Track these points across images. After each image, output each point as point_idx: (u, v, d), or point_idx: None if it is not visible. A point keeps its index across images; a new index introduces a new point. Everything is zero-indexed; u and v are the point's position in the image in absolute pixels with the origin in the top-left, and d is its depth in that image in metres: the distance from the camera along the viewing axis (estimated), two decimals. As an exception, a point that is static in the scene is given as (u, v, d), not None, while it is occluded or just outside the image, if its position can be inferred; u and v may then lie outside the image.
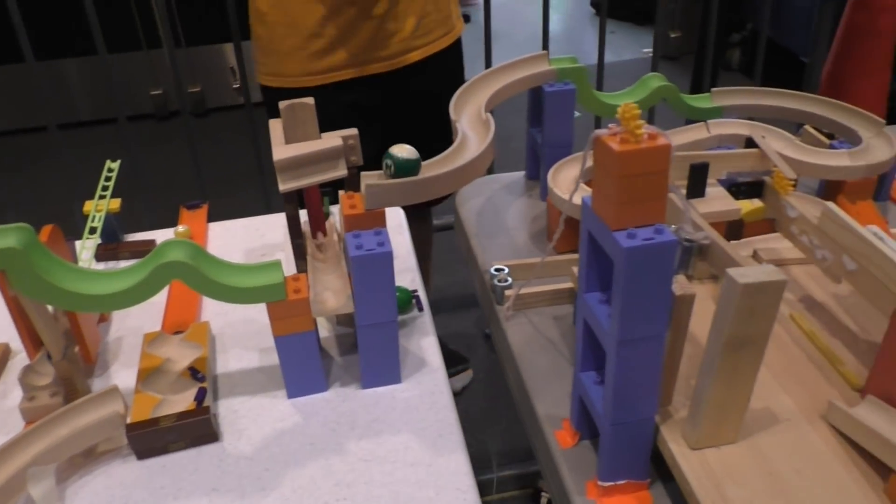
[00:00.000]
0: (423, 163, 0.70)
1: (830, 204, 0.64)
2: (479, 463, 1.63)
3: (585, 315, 0.57)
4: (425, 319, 0.82)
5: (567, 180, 0.87)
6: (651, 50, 3.85)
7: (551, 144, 0.94)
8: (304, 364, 0.70)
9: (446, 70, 1.41)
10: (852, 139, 0.92)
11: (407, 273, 0.89)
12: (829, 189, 0.88)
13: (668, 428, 0.58)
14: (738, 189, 0.73)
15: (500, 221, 0.96)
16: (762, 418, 0.59)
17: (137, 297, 0.63)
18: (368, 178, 0.68)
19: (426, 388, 0.73)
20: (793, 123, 1.00)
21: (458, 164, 0.71)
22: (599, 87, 2.11)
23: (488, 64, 2.14)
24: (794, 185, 0.71)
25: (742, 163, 0.72)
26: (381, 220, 0.69)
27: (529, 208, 0.98)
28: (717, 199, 0.71)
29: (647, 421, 0.56)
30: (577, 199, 0.83)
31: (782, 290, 0.50)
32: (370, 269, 0.66)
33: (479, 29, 2.13)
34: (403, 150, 0.67)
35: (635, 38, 4.03)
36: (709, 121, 0.94)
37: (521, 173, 1.05)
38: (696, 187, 0.70)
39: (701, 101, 0.99)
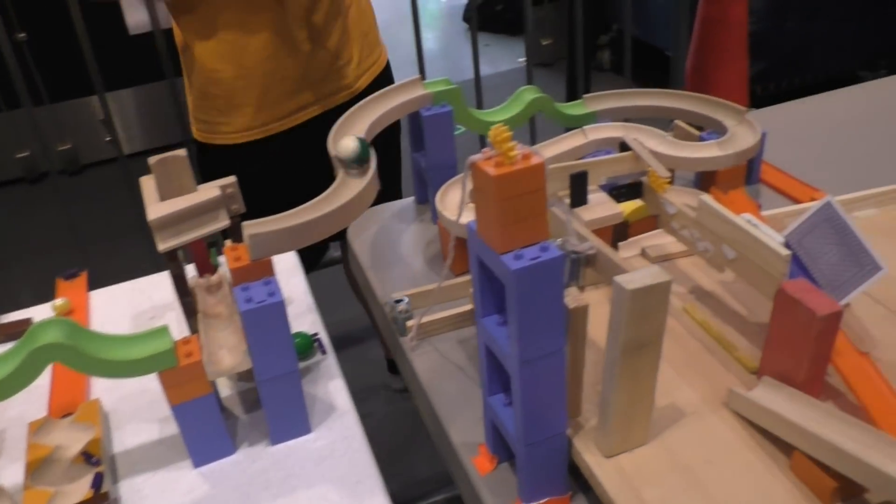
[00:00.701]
0: (303, 206, 0.68)
1: (705, 196, 0.66)
2: (409, 491, 1.61)
3: (485, 339, 0.57)
4: (329, 362, 0.80)
5: (455, 201, 0.88)
6: (525, 59, 3.95)
7: (436, 167, 0.94)
8: (207, 429, 0.67)
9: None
10: (719, 129, 0.96)
11: (306, 315, 0.87)
12: (705, 180, 0.92)
13: (581, 440, 0.58)
14: (619, 192, 0.74)
15: (395, 250, 0.95)
16: (669, 415, 0.60)
17: (14, 388, 0.58)
18: (250, 227, 0.66)
19: (338, 434, 0.71)
20: (666, 120, 1.04)
21: (341, 201, 0.69)
22: (479, 102, 2.14)
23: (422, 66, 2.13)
24: (671, 181, 0.74)
25: (619, 166, 0.74)
26: (268, 269, 0.67)
27: (422, 233, 0.98)
28: (600, 205, 0.72)
29: (559, 436, 0.56)
30: (465, 220, 0.83)
31: (669, 290, 0.51)
32: (263, 322, 0.63)
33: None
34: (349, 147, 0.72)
35: (510, 49, 4.12)
36: (585, 127, 0.97)
37: (411, 199, 1.05)
38: (579, 196, 0.71)
39: (575, 108, 1.02)
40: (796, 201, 0.94)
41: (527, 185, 0.48)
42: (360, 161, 0.74)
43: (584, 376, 0.58)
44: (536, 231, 0.50)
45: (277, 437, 0.70)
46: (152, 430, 0.73)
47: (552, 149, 0.93)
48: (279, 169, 1.28)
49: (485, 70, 4.08)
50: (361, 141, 0.74)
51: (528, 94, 0.98)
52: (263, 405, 0.68)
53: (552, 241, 0.56)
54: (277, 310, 0.63)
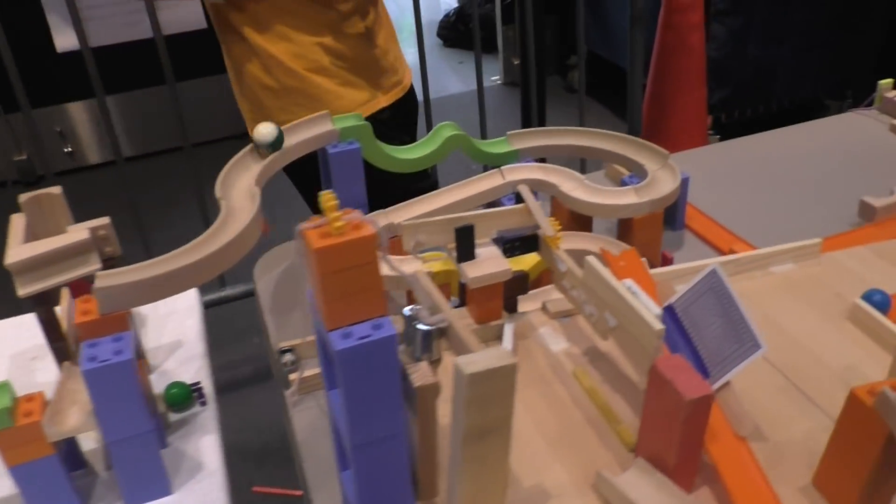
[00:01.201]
0: (168, 254, 0.64)
1: (591, 257, 0.62)
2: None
3: (331, 413, 0.52)
4: (208, 415, 0.75)
5: (357, 244, 0.83)
6: (499, 77, 3.92)
7: (344, 206, 0.90)
8: (50, 492, 0.63)
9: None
10: (641, 173, 0.92)
11: (193, 362, 0.82)
12: (622, 226, 0.88)
13: (432, 524, 0.54)
14: (514, 245, 0.70)
15: (299, 293, 0.90)
16: (531, 497, 0.56)
17: None
18: (102, 278, 0.61)
19: (198, 497, 0.66)
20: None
21: (209, 250, 0.65)
22: (428, 122, 2.10)
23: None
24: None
25: (509, 219, 0.70)
26: (121, 324, 0.62)
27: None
28: (488, 261, 0.68)
29: (405, 522, 0.52)
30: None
31: (514, 374, 0.47)
32: (107, 382, 0.59)
33: None
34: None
35: (483, 67, 4.09)
36: (503, 167, 0.93)
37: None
38: (465, 251, 0.67)
39: (496, 146, 0.98)
40: (718, 251, 0.91)
41: (354, 259, 0.44)
42: (274, 147, 0.81)
43: (438, 456, 0.53)
44: (369, 307, 0.46)
45: (131, 498, 0.65)
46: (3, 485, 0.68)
47: (465, 190, 0.89)
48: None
49: (458, 88, 4.05)
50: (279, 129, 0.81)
51: (446, 131, 0.94)
52: (114, 466, 0.63)
53: (411, 308, 0.52)
54: (123, 369, 0.59)
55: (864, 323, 0.73)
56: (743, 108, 2.55)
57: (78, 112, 2.93)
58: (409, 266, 0.75)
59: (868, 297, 0.74)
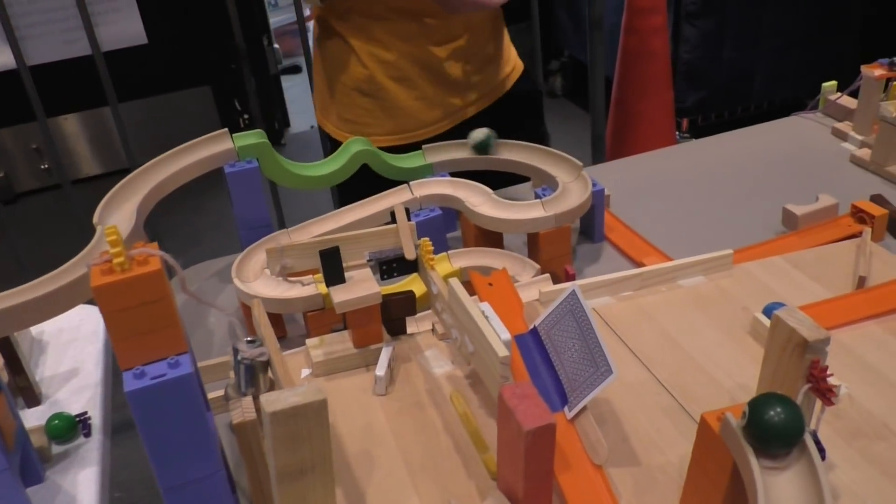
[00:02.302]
0: (20, 287, 0.62)
1: (453, 280, 0.60)
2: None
3: (158, 452, 0.50)
4: (91, 446, 0.73)
5: (256, 267, 0.81)
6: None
7: (245, 226, 0.88)
8: None
9: (524, 93, 1.30)
10: (553, 185, 0.90)
11: (86, 391, 0.80)
12: (531, 241, 0.86)
13: (270, 565, 0.52)
14: (391, 267, 0.68)
15: (205, 313, 0.88)
16: (380, 533, 0.54)
17: None
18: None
19: (68, 535, 0.64)
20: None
21: (63, 281, 0.63)
22: None
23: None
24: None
25: (382, 240, 0.68)
26: (-29, 358, 0.60)
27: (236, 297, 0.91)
28: (360, 284, 0.66)
29: (236, 564, 0.50)
30: (259, 288, 0.77)
31: (324, 411, 0.44)
32: (-50, 420, 0.57)
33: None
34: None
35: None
36: (412, 182, 0.91)
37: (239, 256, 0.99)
38: (333, 274, 0.65)
39: (410, 160, 0.96)
40: (635, 263, 0.88)
41: (140, 296, 0.42)
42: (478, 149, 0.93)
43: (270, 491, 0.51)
44: (165, 344, 0.44)
45: (-4, 538, 0.63)
46: None
47: (372, 206, 0.87)
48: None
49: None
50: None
51: (354, 146, 0.92)
52: (-29, 507, 0.61)
53: (244, 340, 0.50)
54: (-34, 406, 0.57)
55: (763, 338, 0.70)
56: (720, 111, 2.51)
57: (56, 127, 2.93)
58: (295, 291, 0.73)
59: (768, 310, 0.71)
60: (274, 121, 3.36)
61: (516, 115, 1.28)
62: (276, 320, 0.81)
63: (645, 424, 0.62)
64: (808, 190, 0.96)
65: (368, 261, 0.67)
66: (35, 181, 2.89)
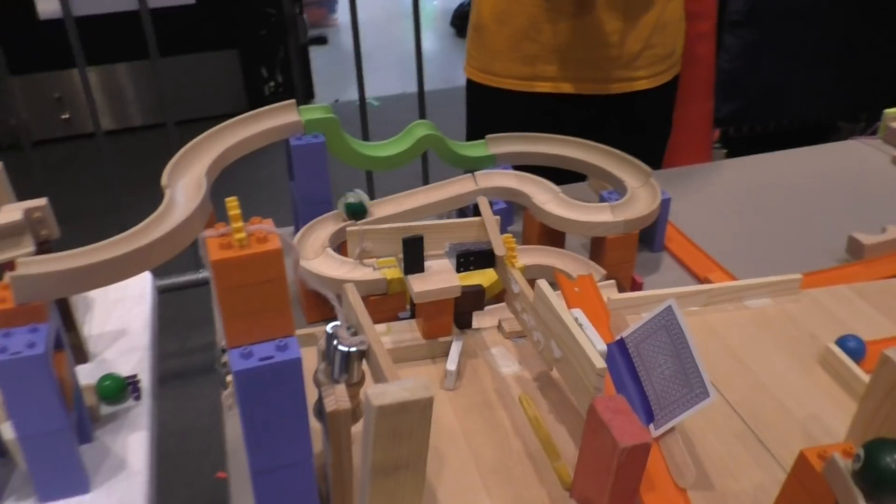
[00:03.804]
0: (96, 244, 0.60)
1: (542, 282, 0.58)
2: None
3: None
4: (141, 410, 0.72)
5: (317, 244, 0.80)
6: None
7: (305, 201, 0.86)
8: (-42, 483, 0.59)
9: (656, 107, 1.28)
10: (620, 189, 0.88)
11: (134, 353, 0.79)
12: (595, 244, 0.84)
13: (342, 556, 0.50)
14: (468, 260, 0.67)
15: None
16: (454, 534, 0.52)
17: None
18: (22, 265, 0.58)
19: (118, 498, 0.63)
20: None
21: (139, 243, 0.61)
22: (422, 116, 2.05)
23: (360, 86, 2.04)
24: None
25: (463, 233, 0.66)
26: (40, 314, 0.58)
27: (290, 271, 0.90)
28: (438, 275, 0.64)
29: (311, 553, 0.49)
30: (321, 267, 0.75)
31: (429, 409, 0.43)
32: (19, 376, 0.55)
33: (338, 51, 2.04)
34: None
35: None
36: (476, 172, 0.89)
37: (290, 229, 0.97)
38: (413, 263, 0.63)
39: (474, 149, 0.94)
40: (696, 277, 0.87)
41: (256, 275, 0.40)
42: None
43: (352, 483, 0.50)
44: (274, 326, 0.42)
45: (45, 494, 0.62)
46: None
47: (434, 194, 0.86)
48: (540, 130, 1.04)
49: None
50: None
51: (420, 130, 0.90)
52: (27, 462, 0.60)
53: (333, 325, 0.49)
54: (37, 363, 0.55)
55: (835, 369, 0.69)
56: (752, 123, 2.49)
57: (72, 79, 2.89)
58: (359, 273, 0.72)
59: (842, 342, 0.70)
60: (300, 91, 3.33)
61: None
62: (325, 300, 0.79)
63: (718, 448, 0.61)
64: (870, 218, 0.94)
65: (447, 252, 0.66)
66: (54, 130, 2.85)
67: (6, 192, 0.72)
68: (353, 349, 0.47)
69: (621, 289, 0.80)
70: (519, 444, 0.60)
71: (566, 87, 1.16)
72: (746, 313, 0.77)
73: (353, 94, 2.17)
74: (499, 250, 0.64)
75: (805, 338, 0.74)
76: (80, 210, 2.21)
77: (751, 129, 2.51)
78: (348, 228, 0.68)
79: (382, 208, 0.84)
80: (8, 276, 0.56)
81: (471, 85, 1.25)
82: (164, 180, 0.72)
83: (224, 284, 0.40)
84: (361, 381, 0.49)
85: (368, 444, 0.43)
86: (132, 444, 0.68)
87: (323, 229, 0.81)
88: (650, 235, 0.92)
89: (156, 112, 2.80)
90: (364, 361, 0.49)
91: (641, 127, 1.24)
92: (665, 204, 0.88)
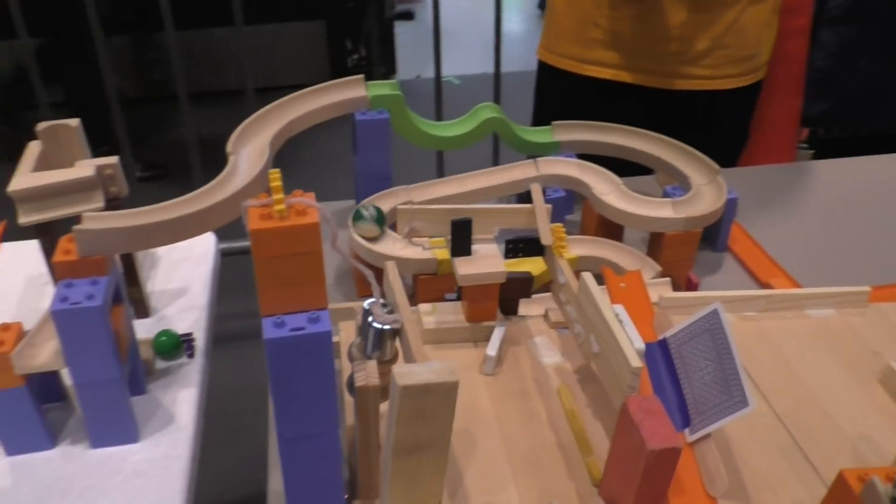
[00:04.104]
0: (160, 204, 0.63)
1: (587, 275, 0.58)
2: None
3: (274, 398, 0.50)
4: (193, 368, 0.75)
5: (373, 218, 0.80)
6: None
7: (366, 176, 0.87)
8: (19, 421, 0.63)
9: (727, 110, 1.24)
10: (685, 185, 0.86)
11: (192, 312, 0.81)
12: (653, 240, 0.82)
13: (363, 528, 0.51)
14: (517, 246, 0.66)
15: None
16: (476, 518, 0.53)
17: None
18: (86, 220, 0.61)
19: (163, 450, 0.66)
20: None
21: (202, 205, 0.63)
22: (497, 98, 2.03)
23: (438, 63, 2.04)
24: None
25: (513, 218, 0.65)
26: (101, 268, 0.61)
27: (346, 244, 0.91)
28: (485, 259, 0.64)
29: (333, 521, 0.50)
30: (376, 244, 0.76)
31: (454, 393, 0.43)
32: (76, 326, 0.58)
33: (424, 27, 2.05)
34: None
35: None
36: (538, 158, 0.88)
37: (352, 202, 0.98)
38: (461, 245, 0.63)
39: (538, 134, 0.93)
40: (758, 281, 0.84)
41: (293, 246, 0.41)
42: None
43: (378, 459, 0.51)
44: (308, 298, 0.43)
45: (98, 440, 0.65)
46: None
47: (494, 177, 0.85)
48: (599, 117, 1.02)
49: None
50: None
51: (486, 112, 0.90)
52: (81, 408, 0.63)
53: (369, 302, 0.49)
54: (94, 314, 0.58)
55: (895, 390, 0.66)
56: (844, 125, 2.37)
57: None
58: (410, 251, 0.72)
59: (906, 361, 0.66)
60: (382, 65, 3.35)
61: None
62: (379, 275, 0.80)
63: (758, 459, 0.59)
64: (956, 235, 0.89)
65: (496, 237, 0.65)
66: (145, 90, 2.96)
67: (82, 149, 0.75)
68: (386, 327, 0.48)
69: (676, 288, 0.78)
70: (552, 435, 0.60)
71: (625, 76, 1.13)
72: (807, 323, 0.74)
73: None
74: (545, 239, 0.63)
75: (867, 354, 0.70)
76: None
77: (842, 131, 2.40)
78: (399, 206, 0.69)
79: (442, 188, 0.84)
80: (74, 229, 0.59)
81: (540, 66, 1.24)
82: (228, 147, 0.74)
83: (261, 254, 0.41)
84: (394, 359, 0.50)
85: (392, 422, 0.44)
86: (182, 400, 0.71)
87: (381, 205, 0.81)
88: (713, 235, 0.89)
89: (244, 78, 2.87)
90: (398, 340, 0.49)
91: (708, 128, 1.20)
92: (731, 203, 0.85)
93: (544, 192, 0.81)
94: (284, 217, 0.41)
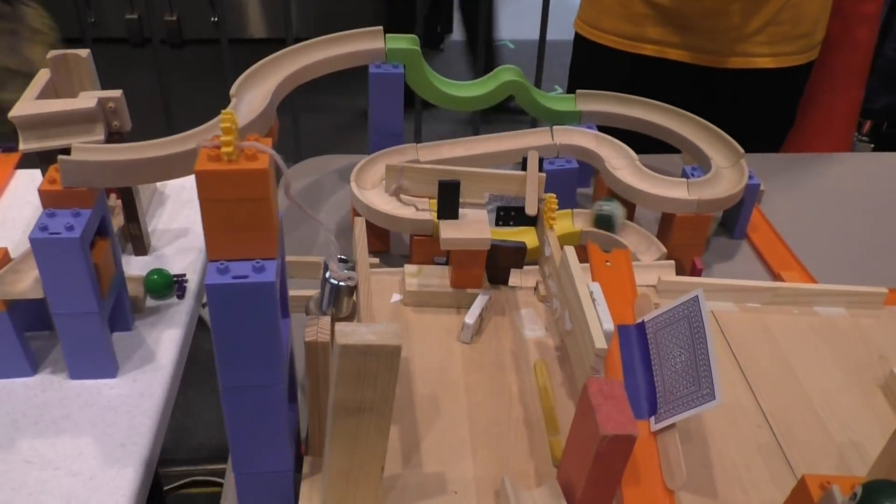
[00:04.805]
0: (151, 141, 0.62)
1: (569, 248, 0.55)
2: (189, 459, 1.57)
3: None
4: (182, 309, 0.75)
5: (376, 176, 0.79)
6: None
7: (378, 132, 0.85)
8: (1, 346, 0.64)
9: (775, 90, 1.18)
10: (705, 166, 0.82)
11: (190, 253, 0.82)
12: (663, 221, 0.79)
13: (310, 485, 0.51)
14: (508, 214, 0.64)
15: (314, 208, 0.88)
16: (426, 485, 0.51)
17: None
18: (75, 150, 0.60)
19: (138, 388, 0.66)
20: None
21: (187, 146, 0.63)
22: (540, 63, 1.97)
23: (489, 24, 1.99)
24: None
25: (505, 185, 0.63)
26: (86, 200, 0.61)
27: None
28: (472, 224, 0.62)
29: (277, 475, 0.49)
30: (374, 199, 0.75)
31: (397, 356, 0.42)
32: (54, 256, 0.58)
33: None
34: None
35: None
36: (555, 126, 0.85)
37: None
38: (447, 208, 0.61)
39: (560, 102, 0.90)
40: (771, 272, 0.80)
41: (239, 191, 0.40)
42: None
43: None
44: (255, 245, 0.42)
45: (76, 372, 0.66)
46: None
47: (508, 142, 0.83)
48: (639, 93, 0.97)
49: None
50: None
51: (505, 75, 0.87)
52: (60, 338, 0.64)
53: (328, 257, 0.48)
54: (71, 246, 0.58)
55: (896, 397, 0.62)
56: (910, 120, 2.25)
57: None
58: (408, 211, 0.71)
59: (912, 369, 0.63)
60: (437, 24, 3.30)
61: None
62: (383, 234, 0.79)
63: (734, 455, 0.56)
64: None
65: (487, 203, 0.63)
66: (203, 32, 2.98)
67: (91, 80, 0.75)
68: (342, 283, 0.46)
69: (682, 272, 0.75)
70: (520, 410, 0.58)
71: (672, 54, 1.08)
72: (812, 320, 0.70)
73: (491, 33, 2.12)
74: (530, 209, 0.61)
75: (873, 358, 0.67)
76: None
77: (907, 126, 2.28)
78: (387, 164, 0.67)
79: (450, 149, 0.82)
80: (59, 158, 0.59)
81: (578, 39, 1.19)
82: (232, 90, 0.72)
83: (206, 196, 0.40)
84: (350, 317, 0.49)
85: (333, 380, 0.42)
86: (166, 340, 0.71)
87: (385, 162, 0.80)
88: (731, 220, 0.85)
89: (302, 26, 2.87)
90: (355, 298, 0.48)
91: (754, 109, 1.14)
92: (752, 189, 0.81)
93: (540, 162, 0.78)
94: (233, 160, 0.40)
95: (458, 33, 3.52)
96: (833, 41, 1.71)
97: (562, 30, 2.05)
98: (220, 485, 1.57)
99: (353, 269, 0.48)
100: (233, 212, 0.41)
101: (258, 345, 0.43)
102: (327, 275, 0.47)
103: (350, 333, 0.41)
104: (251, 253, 0.42)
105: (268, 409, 0.46)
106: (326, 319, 0.47)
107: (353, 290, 0.47)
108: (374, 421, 0.44)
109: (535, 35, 3.47)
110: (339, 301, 0.47)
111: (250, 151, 0.40)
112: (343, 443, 0.45)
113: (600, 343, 0.47)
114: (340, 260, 0.48)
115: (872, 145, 2.21)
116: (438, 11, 3.36)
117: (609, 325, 0.49)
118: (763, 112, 1.21)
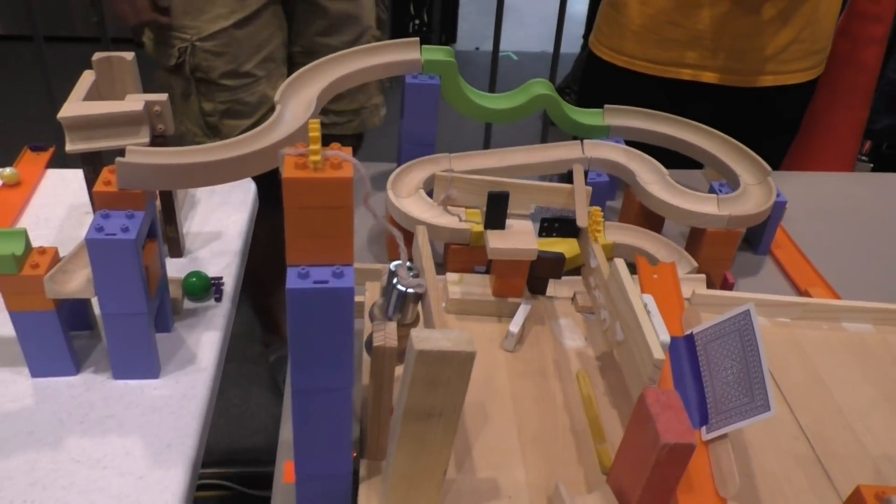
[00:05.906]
0: (203, 145, 0.63)
1: (619, 261, 0.57)
2: (233, 460, 1.57)
3: (292, 349, 0.50)
4: (220, 311, 0.75)
5: (412, 184, 0.80)
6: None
7: (410, 140, 0.87)
8: (46, 344, 0.64)
9: (788, 106, 1.23)
10: (733, 183, 0.84)
11: (225, 257, 0.82)
12: (693, 236, 0.80)
13: (367, 488, 0.52)
14: (552, 225, 0.65)
15: (368, 215, 0.88)
16: (481, 491, 0.53)
17: None
18: (130, 153, 0.61)
19: (182, 389, 0.67)
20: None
21: (243, 150, 0.64)
22: (552, 78, 1.99)
23: (497, 40, 2.01)
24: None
25: (552, 197, 0.64)
26: (139, 202, 0.62)
27: (382, 207, 0.91)
28: (518, 235, 0.63)
29: (338, 478, 0.50)
30: (410, 207, 0.76)
31: (470, 363, 0.43)
32: (108, 256, 0.59)
33: (488, 1, 2.03)
34: None
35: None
36: (585, 140, 0.86)
37: (395, 165, 0.98)
38: (495, 218, 0.62)
39: (589, 116, 0.91)
40: (796, 288, 0.82)
41: (324, 199, 0.41)
42: None
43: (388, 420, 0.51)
44: (334, 252, 0.43)
45: (120, 372, 0.67)
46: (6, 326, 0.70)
47: (539, 154, 0.84)
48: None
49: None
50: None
51: (537, 88, 0.88)
52: (107, 338, 0.64)
53: (395, 264, 0.49)
54: (126, 247, 0.59)
55: (926, 413, 0.64)
56: (910, 141, 2.29)
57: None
58: (445, 219, 0.72)
59: (941, 386, 0.64)
60: (442, 33, 3.32)
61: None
62: (410, 239, 0.80)
63: (774, 467, 0.58)
64: None
65: (532, 214, 0.64)
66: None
67: (134, 83, 0.76)
68: (410, 290, 0.47)
69: (711, 286, 0.76)
70: (566, 419, 0.59)
71: (706, 77, 1.10)
72: (841, 336, 0.72)
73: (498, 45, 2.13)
74: (581, 221, 0.62)
75: (901, 374, 0.68)
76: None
77: (906, 147, 2.32)
78: (437, 173, 0.68)
79: (483, 160, 0.83)
80: (116, 160, 0.60)
81: (594, 60, 1.20)
82: (276, 97, 0.74)
83: (292, 203, 0.41)
84: (415, 323, 0.50)
85: (405, 386, 0.43)
86: (205, 342, 0.72)
87: (421, 170, 0.81)
88: (756, 237, 0.87)
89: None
90: (420, 305, 0.49)
91: (769, 125, 1.17)
92: (778, 207, 0.83)
93: (586, 175, 0.80)
94: (319, 168, 0.41)
95: (461, 43, 3.55)
96: (840, 61, 1.74)
97: (565, 42, 2.08)
98: (229, 488, 1.57)
99: (417, 276, 0.49)
100: (316, 219, 0.42)
101: (333, 349, 0.44)
102: (394, 281, 0.48)
103: (426, 339, 0.42)
104: (330, 259, 0.43)
105: (335, 412, 0.47)
106: (392, 325, 0.48)
107: (419, 297, 0.48)
108: (443, 426, 0.45)
109: (535, 47, 3.49)
110: (406, 308, 0.48)
111: (335, 160, 0.41)
112: (410, 447, 0.46)
113: (658, 354, 0.48)
114: (408, 268, 0.49)
115: (872, 165, 2.24)
116: (445, 22, 3.39)
117: (665, 337, 0.50)
118: (774, 129, 1.23)
